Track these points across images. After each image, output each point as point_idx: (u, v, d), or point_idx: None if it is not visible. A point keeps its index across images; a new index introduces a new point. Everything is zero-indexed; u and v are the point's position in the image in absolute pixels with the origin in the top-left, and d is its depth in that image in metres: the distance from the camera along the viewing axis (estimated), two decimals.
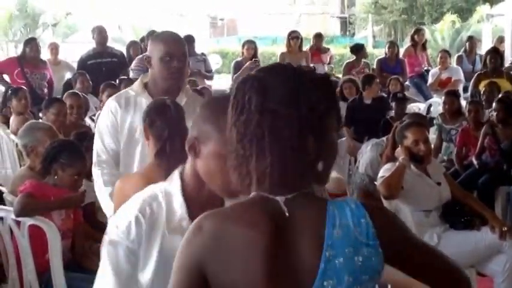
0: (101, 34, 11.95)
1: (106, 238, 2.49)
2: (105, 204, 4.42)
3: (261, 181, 1.93)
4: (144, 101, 4.36)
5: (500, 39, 15.69)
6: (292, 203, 1.93)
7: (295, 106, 1.92)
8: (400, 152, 5.64)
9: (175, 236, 2.39)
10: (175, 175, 2.53)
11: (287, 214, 1.91)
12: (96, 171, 4.49)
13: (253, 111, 1.92)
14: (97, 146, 4.53)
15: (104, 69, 11.41)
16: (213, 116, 2.40)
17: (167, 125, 3.61)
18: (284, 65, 2.07)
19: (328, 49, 14.64)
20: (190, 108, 4.08)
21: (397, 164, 5.57)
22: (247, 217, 1.93)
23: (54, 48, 12.89)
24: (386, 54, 13.65)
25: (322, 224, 1.90)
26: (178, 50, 4.38)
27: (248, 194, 1.98)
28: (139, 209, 2.46)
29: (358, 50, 13.87)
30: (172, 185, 2.51)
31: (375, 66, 13.46)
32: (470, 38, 14.90)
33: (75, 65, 12.22)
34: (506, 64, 12.85)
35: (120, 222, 2.46)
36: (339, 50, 29.58)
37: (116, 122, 4.47)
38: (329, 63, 14.20)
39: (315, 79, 2.01)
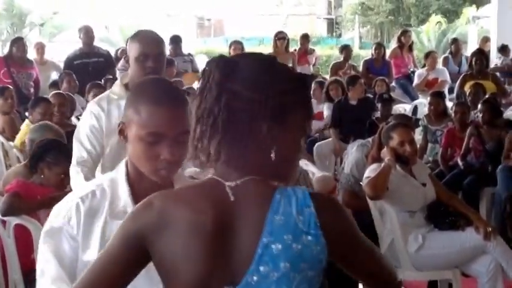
0: (87, 34, 11.92)
1: (47, 225, 2.53)
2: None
3: (208, 158, 1.95)
4: (121, 105, 4.33)
5: (485, 40, 15.75)
6: (240, 189, 1.94)
7: (257, 92, 1.92)
8: (385, 153, 5.65)
9: (117, 221, 2.38)
10: (122, 163, 2.57)
11: (232, 199, 1.93)
12: (75, 169, 4.43)
13: (213, 88, 1.93)
14: (77, 148, 4.47)
15: (91, 69, 11.38)
16: (134, 98, 2.49)
17: None
18: (263, 55, 2.08)
19: (313, 50, 14.67)
20: None
21: (383, 164, 5.58)
22: (194, 200, 1.94)
23: (40, 48, 12.84)
24: (372, 55, 13.70)
25: (266, 210, 1.92)
26: (153, 49, 4.31)
27: (204, 172, 2.00)
28: (81, 196, 2.50)
29: (345, 51, 13.98)
30: (118, 173, 2.55)
31: (361, 67, 13.49)
32: (455, 40, 14.96)
33: (61, 65, 12.19)
34: (492, 65, 12.88)
35: (61, 209, 2.51)
36: (326, 51, 29.64)
37: (98, 126, 4.43)
38: (314, 64, 14.23)
39: (289, 74, 2.03)
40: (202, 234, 1.90)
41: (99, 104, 4.48)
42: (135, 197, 2.48)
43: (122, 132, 2.49)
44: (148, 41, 4.36)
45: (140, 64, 4.28)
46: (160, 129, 2.42)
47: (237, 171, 1.95)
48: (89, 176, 4.32)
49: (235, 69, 1.95)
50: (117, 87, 4.56)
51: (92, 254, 2.42)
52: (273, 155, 1.94)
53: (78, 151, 4.45)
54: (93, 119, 4.44)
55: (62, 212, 2.50)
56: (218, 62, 1.97)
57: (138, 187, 2.51)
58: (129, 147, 2.49)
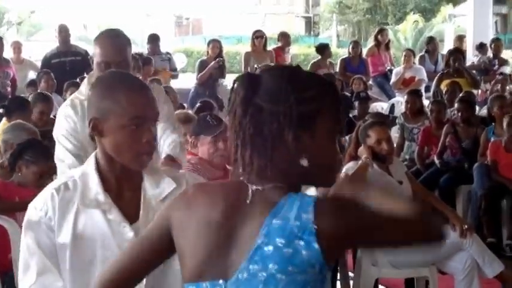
0: (63, 33, 11.88)
1: (25, 220, 2.60)
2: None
3: (244, 169, 2.03)
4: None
5: (460, 38, 15.78)
6: (259, 194, 2.03)
7: (280, 103, 1.99)
8: (362, 151, 5.66)
9: (89, 209, 2.54)
10: (91, 157, 2.64)
11: (248, 201, 2.02)
12: (60, 167, 4.43)
13: (239, 104, 2.01)
14: (59, 152, 4.42)
15: (68, 68, 11.32)
16: (107, 91, 2.55)
17: None
18: (284, 66, 2.24)
19: (288, 49, 14.58)
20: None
21: (360, 162, 5.59)
22: (215, 196, 2.07)
23: (17, 47, 12.76)
24: (349, 53, 13.69)
25: (267, 214, 1.99)
26: (114, 58, 4.25)
27: (239, 176, 2.08)
28: (55, 187, 2.58)
29: (323, 49, 13.93)
30: (89, 166, 2.62)
31: (338, 66, 13.49)
32: (432, 39, 14.96)
33: (39, 64, 12.12)
34: (468, 64, 12.93)
35: (38, 203, 2.59)
36: (304, 50, 29.71)
37: (75, 127, 4.42)
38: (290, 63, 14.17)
39: (312, 80, 2.08)
40: (209, 228, 2.03)
41: (72, 107, 4.47)
42: (107, 187, 2.57)
43: (95, 128, 2.52)
44: (109, 48, 4.29)
45: (102, 71, 4.20)
46: (142, 112, 2.53)
47: (266, 180, 2.02)
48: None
49: (258, 84, 2.03)
50: (84, 88, 4.53)
51: (64, 238, 2.53)
52: (304, 163, 2.01)
53: (63, 157, 4.40)
54: (68, 122, 4.43)
55: (38, 206, 2.57)
56: (243, 79, 2.06)
57: (108, 178, 2.59)
58: (105, 141, 2.54)
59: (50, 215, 2.53)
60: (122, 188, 2.59)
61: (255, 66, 11.49)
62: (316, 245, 1.95)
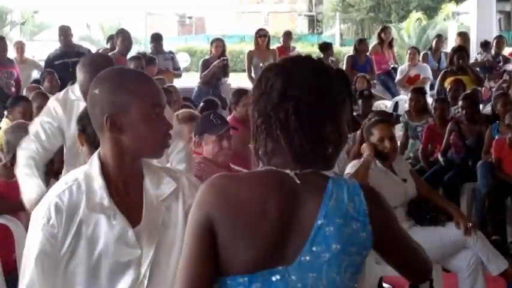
0: (65, 34, 11.90)
1: (30, 225, 2.54)
2: (25, 189, 4.58)
3: (277, 156, 2.07)
4: (82, 105, 4.38)
5: (462, 35, 15.70)
6: (301, 177, 2.05)
7: (317, 95, 2.06)
8: (365, 148, 5.66)
9: (94, 214, 2.48)
10: (95, 158, 2.58)
11: (298, 181, 2.04)
12: (25, 169, 4.60)
13: (274, 96, 2.05)
14: (27, 141, 4.66)
15: (71, 69, 11.28)
16: (119, 85, 2.50)
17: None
18: (306, 57, 2.20)
19: (294, 48, 14.63)
20: None
21: (362, 159, 5.59)
22: (259, 187, 2.04)
23: (21, 47, 12.77)
24: (356, 51, 13.62)
25: (321, 195, 2.03)
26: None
27: (260, 163, 2.12)
28: (58, 194, 2.50)
29: (325, 48, 13.92)
30: (92, 167, 2.55)
31: (344, 64, 13.45)
32: (439, 36, 14.97)
33: (43, 64, 12.14)
34: (471, 61, 12.91)
35: (40, 211, 2.51)
36: (307, 48, 29.63)
37: (54, 123, 4.59)
38: None
39: (333, 71, 2.15)
40: (264, 220, 1.99)
41: (61, 102, 4.60)
42: (110, 190, 2.51)
43: (113, 124, 2.46)
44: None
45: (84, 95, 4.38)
46: (158, 100, 2.54)
47: (297, 164, 2.06)
48: (38, 176, 4.54)
49: (292, 75, 2.08)
50: (77, 89, 4.65)
51: (69, 243, 2.47)
52: (330, 149, 2.09)
53: (32, 142, 4.61)
54: (51, 117, 4.55)
55: (40, 214, 2.49)
56: (276, 70, 2.09)
57: (113, 179, 2.53)
58: (125, 135, 2.48)
59: (52, 222, 2.47)
60: (126, 189, 2.55)
61: (261, 64, 11.48)
62: (369, 227, 2.04)
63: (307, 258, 1.98)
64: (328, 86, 2.08)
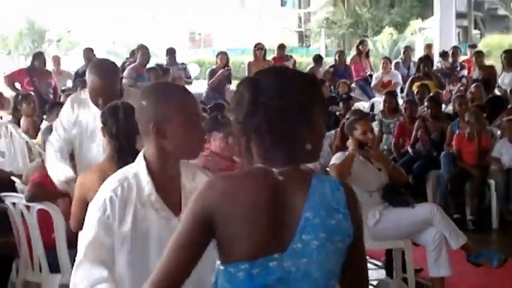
0: (87, 56, 12.01)
1: (86, 218, 2.53)
2: (53, 172, 4.63)
3: (259, 157, 2.01)
4: (91, 103, 4.52)
5: (429, 46, 15.77)
6: (285, 174, 1.99)
7: (284, 99, 1.99)
8: (350, 143, 5.65)
9: (145, 208, 2.48)
10: (140, 158, 2.57)
11: (281, 179, 1.98)
12: (54, 153, 4.67)
13: (246, 105, 1.99)
14: (52, 137, 4.74)
15: None
16: (163, 98, 2.51)
17: (116, 123, 3.60)
18: (276, 67, 2.16)
19: (291, 56, 14.57)
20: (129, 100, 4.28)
21: (347, 153, 5.59)
22: (251, 185, 1.98)
23: (57, 61, 12.85)
24: (336, 61, 13.72)
25: (307, 190, 1.98)
26: (103, 94, 4.38)
27: (245, 163, 2.06)
28: (112, 189, 2.50)
29: (318, 60, 14.17)
30: (139, 166, 2.55)
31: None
32: (407, 48, 15.02)
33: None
34: (434, 68, 12.91)
35: (97, 202, 2.51)
36: (297, 59, 29.54)
37: (72, 117, 4.63)
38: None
39: (300, 77, 2.08)
40: (259, 213, 1.94)
41: (76, 101, 4.68)
42: (157, 185, 2.51)
43: (158, 130, 2.47)
44: (98, 82, 4.42)
45: (95, 99, 4.45)
46: (196, 110, 2.57)
47: (280, 162, 2.00)
48: (64, 162, 4.62)
49: (260, 85, 2.01)
50: (87, 91, 4.68)
51: (123, 233, 2.48)
52: (309, 146, 2.02)
53: (54, 136, 4.71)
54: (69, 112, 4.74)
55: (97, 206, 2.50)
56: (246, 83, 2.04)
57: (159, 177, 2.53)
58: (167, 140, 2.48)
59: (108, 213, 2.46)
60: (168, 184, 2.54)
61: None
62: (350, 218, 1.99)
63: (299, 245, 1.95)
64: (295, 90, 2.01)
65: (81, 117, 4.61)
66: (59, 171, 4.59)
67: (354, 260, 2.05)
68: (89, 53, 12.30)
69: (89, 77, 4.50)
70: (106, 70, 4.52)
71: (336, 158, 5.68)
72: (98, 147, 4.44)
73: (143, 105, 2.53)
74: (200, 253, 1.99)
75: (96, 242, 2.46)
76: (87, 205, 3.32)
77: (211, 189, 2.00)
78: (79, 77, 11.45)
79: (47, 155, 4.75)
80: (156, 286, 1.96)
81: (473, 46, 16.76)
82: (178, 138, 2.48)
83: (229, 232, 1.95)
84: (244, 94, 2.01)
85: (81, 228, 3.72)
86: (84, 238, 2.49)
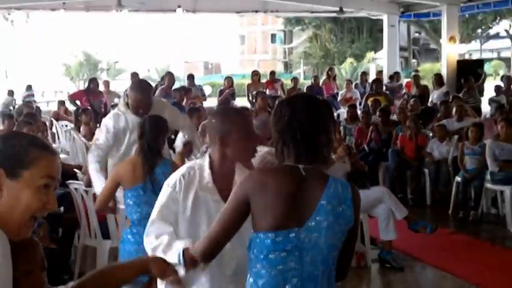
0: (134, 77, 12.04)
1: (161, 192, 2.55)
2: (95, 182, 4.45)
3: (291, 156, 2.02)
4: (126, 117, 4.48)
5: (379, 72, 15.78)
6: (308, 170, 2.00)
7: (312, 116, 2.02)
8: (341, 150, 5.55)
9: (204, 192, 2.49)
10: (206, 156, 2.58)
11: (304, 173, 1.99)
12: (95, 165, 4.49)
13: (286, 120, 2.02)
14: (99, 135, 4.61)
15: None
16: (226, 118, 2.51)
17: (142, 132, 3.71)
18: (304, 94, 2.24)
19: (279, 79, 14.53)
20: (158, 109, 4.36)
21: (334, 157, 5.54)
22: (280, 175, 2.01)
23: (107, 84, 12.82)
24: (312, 83, 13.71)
25: (324, 184, 1.99)
26: (143, 106, 4.37)
27: (280, 161, 2.07)
28: (183, 173, 2.53)
29: (295, 80, 14.25)
30: (205, 162, 2.55)
31: (305, 90, 13.39)
32: (364, 73, 15.01)
33: (121, 94, 12.12)
34: (384, 88, 12.91)
35: (171, 180, 2.54)
36: (284, 82, 29.48)
37: (111, 130, 4.51)
38: (282, 90, 13.82)
39: (321, 101, 2.10)
40: (285, 194, 1.96)
41: (114, 118, 4.55)
42: (214, 177, 2.50)
43: (222, 142, 2.47)
44: (140, 99, 4.42)
45: (135, 110, 4.44)
46: (251, 128, 2.57)
47: (304, 162, 2.01)
48: (98, 161, 4.47)
49: (296, 106, 2.04)
50: (121, 106, 4.61)
51: (185, 208, 2.48)
52: (325, 151, 2.05)
53: (99, 141, 4.54)
54: (111, 126, 4.56)
55: (170, 183, 2.51)
56: (287, 103, 2.07)
57: (217, 172, 2.52)
58: (229, 148, 2.48)
59: (177, 190, 2.48)
60: (224, 178, 2.51)
61: (254, 92, 11.45)
62: (352, 209, 2.01)
63: (313, 224, 1.96)
64: (319, 110, 2.04)
65: (120, 129, 4.52)
66: (96, 184, 4.41)
67: (350, 238, 2.07)
68: (135, 75, 12.25)
69: (131, 93, 4.46)
70: (144, 88, 4.50)
71: None
72: (125, 147, 4.48)
73: (212, 122, 2.55)
74: (239, 224, 2.05)
75: (166, 207, 2.50)
76: (117, 187, 3.51)
77: (250, 177, 2.05)
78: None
79: (89, 163, 4.53)
80: (207, 243, 2.08)
81: (416, 71, 16.89)
82: (235, 148, 2.47)
83: (261, 207, 1.98)
84: (286, 111, 2.03)
85: (102, 209, 3.76)
86: (158, 204, 2.52)
